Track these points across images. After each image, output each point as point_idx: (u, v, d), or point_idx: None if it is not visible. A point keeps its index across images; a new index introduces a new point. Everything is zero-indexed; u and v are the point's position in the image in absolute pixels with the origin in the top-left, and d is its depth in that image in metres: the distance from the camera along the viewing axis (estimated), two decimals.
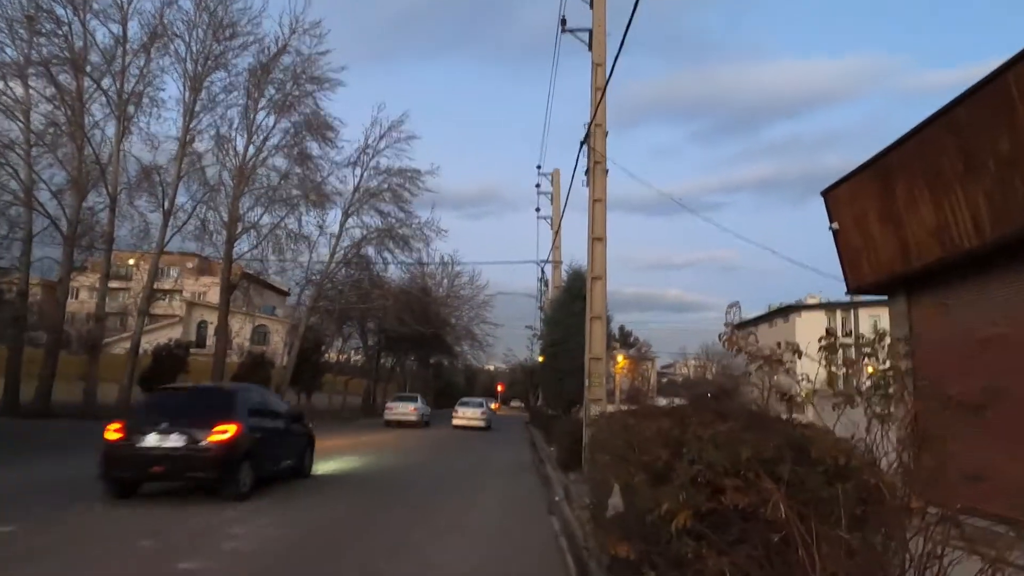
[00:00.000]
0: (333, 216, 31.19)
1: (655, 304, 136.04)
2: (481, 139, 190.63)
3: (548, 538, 7.29)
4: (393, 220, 31.39)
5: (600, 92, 12.90)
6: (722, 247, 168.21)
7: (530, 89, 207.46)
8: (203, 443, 8.83)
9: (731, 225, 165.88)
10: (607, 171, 13.00)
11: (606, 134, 13.08)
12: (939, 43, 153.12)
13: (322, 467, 12.66)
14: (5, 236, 24.62)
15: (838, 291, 78.07)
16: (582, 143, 13.18)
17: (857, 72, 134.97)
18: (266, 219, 29.91)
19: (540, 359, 43.19)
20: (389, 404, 30.93)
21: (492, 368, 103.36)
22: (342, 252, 31.12)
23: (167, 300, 69.39)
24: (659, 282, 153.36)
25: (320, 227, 30.70)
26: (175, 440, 8.80)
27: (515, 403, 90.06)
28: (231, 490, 8.95)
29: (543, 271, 28.80)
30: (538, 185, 26.91)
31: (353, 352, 51.33)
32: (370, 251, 31.94)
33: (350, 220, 31.00)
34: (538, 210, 27.37)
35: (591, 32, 13.29)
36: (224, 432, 8.98)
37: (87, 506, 8.02)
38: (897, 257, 9.91)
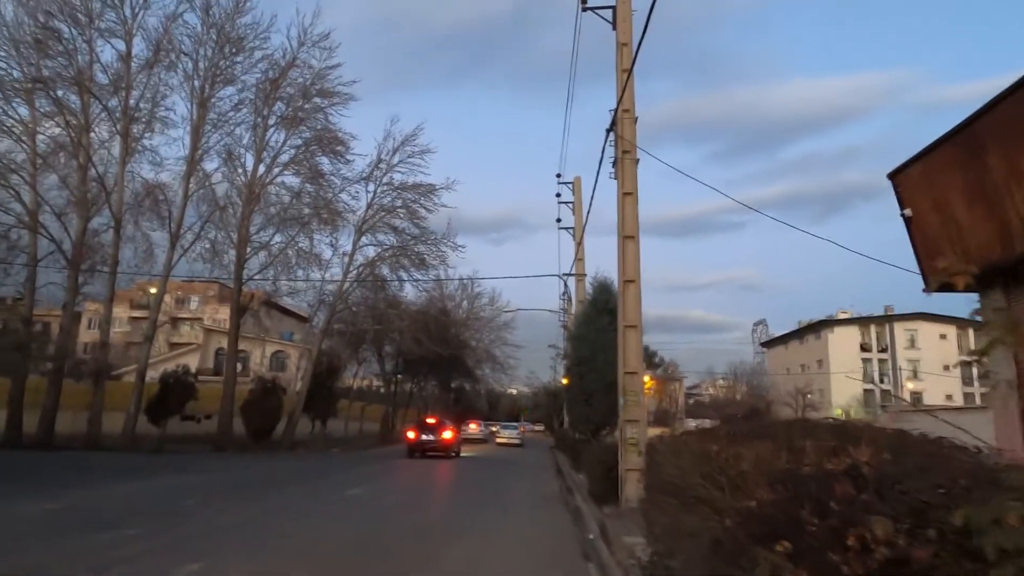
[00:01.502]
0: (347, 236, 30.04)
1: (677, 325, 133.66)
2: (501, 165, 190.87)
3: None
4: (408, 237, 30.15)
5: (626, 74, 11.51)
6: (742, 267, 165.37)
7: (549, 115, 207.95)
8: (442, 439, 26.05)
9: (752, 244, 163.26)
10: (637, 160, 11.55)
11: (635, 120, 11.66)
12: (955, 57, 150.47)
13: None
14: (4, 260, 23.78)
15: (870, 306, 75.11)
16: (608, 130, 11.76)
17: (873, 88, 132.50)
18: (276, 239, 28.93)
19: (564, 381, 41.50)
20: (463, 426, 44.87)
21: (515, 391, 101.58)
22: (355, 271, 29.91)
23: (190, 327, 69.28)
24: (679, 303, 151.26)
25: (332, 246, 29.59)
26: (433, 437, 25.99)
27: (538, 427, 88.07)
28: (452, 456, 26.11)
29: (566, 285, 27.28)
30: (558, 194, 25.51)
31: (374, 378, 50.01)
32: (385, 270, 30.70)
33: (363, 238, 29.83)
34: (559, 220, 25.93)
35: (614, 9, 11.96)
36: (450, 434, 26.57)
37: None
38: (994, 243, 8.25)
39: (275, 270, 28.75)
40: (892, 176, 10.11)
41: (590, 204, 21.07)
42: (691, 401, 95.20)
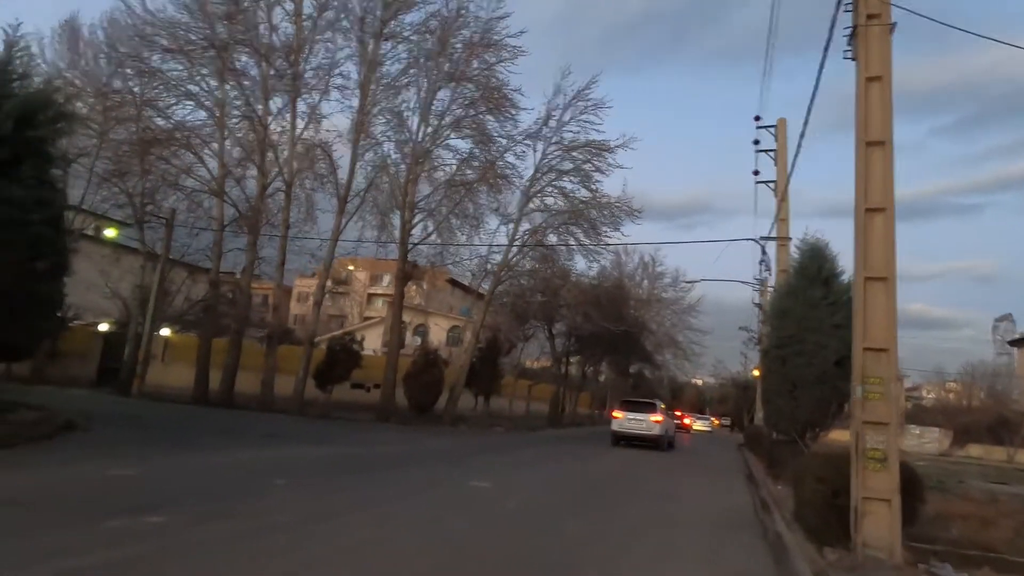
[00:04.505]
0: (513, 200, 27.93)
1: None
2: (691, 149, 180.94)
3: None
4: (579, 202, 27.27)
5: None
6: (976, 255, 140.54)
7: (741, 94, 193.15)
8: (683, 423, 49.98)
9: (992, 230, 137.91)
10: (891, 27, 7.56)
11: None
12: None
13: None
14: (196, 225, 24.90)
15: None
16: None
17: None
18: (442, 204, 27.58)
19: (755, 373, 36.21)
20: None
21: (699, 382, 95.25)
22: (521, 239, 27.69)
23: (382, 303, 73.33)
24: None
25: (498, 211, 27.63)
26: (678, 422, 39.05)
27: (724, 420, 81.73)
28: (688, 432, 49.35)
29: (764, 251, 22.67)
30: (756, 141, 20.89)
31: (547, 358, 48.25)
32: (553, 239, 28.11)
33: (530, 203, 27.51)
34: (756, 173, 21.25)
35: None
36: (688, 420, 54.04)
37: None
38: None
39: (441, 237, 27.49)
40: None
41: (797, 150, 16.74)
42: (909, 405, 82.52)
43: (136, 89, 26.19)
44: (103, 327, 30.94)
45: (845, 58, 7.92)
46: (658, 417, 23.56)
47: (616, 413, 24.30)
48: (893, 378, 7.07)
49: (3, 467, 8.45)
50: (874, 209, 7.35)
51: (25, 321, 9.44)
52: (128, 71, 25.91)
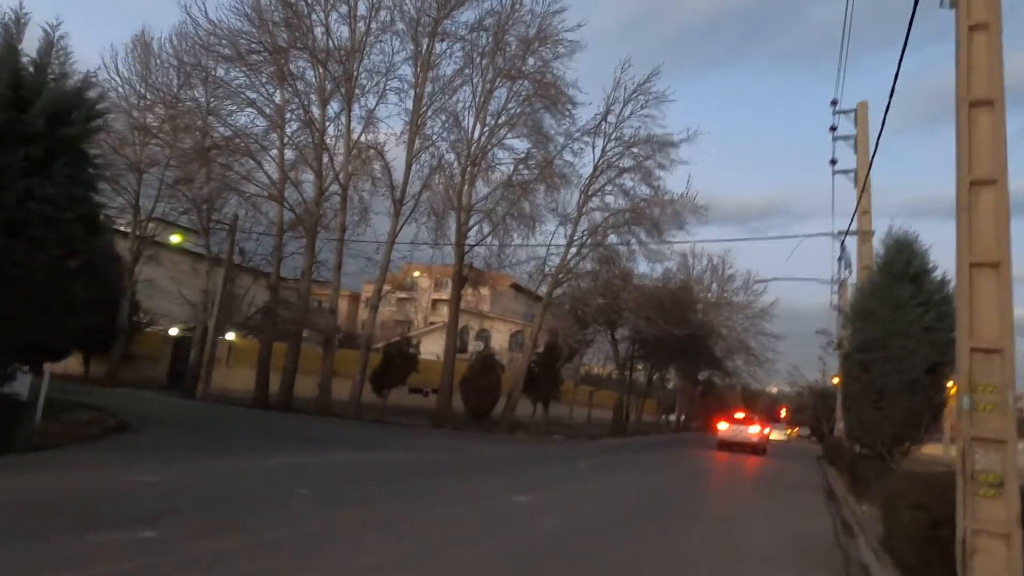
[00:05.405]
0: (571, 198, 26.99)
1: None
2: (766, 151, 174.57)
3: None
4: (640, 200, 26.06)
5: None
6: None
7: (817, 93, 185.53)
8: (763, 433, 33.11)
9: None
10: None
11: None
12: None
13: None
14: (248, 230, 25.13)
15: None
16: None
17: None
18: (499, 206, 26.91)
19: (834, 380, 33.67)
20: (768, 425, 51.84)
21: (774, 390, 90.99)
22: (580, 239, 26.69)
23: (447, 308, 73.36)
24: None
25: (555, 211, 26.73)
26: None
27: (803, 431, 77.77)
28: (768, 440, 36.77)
29: (843, 248, 20.82)
30: (833, 128, 19.14)
31: (610, 362, 46.87)
32: (612, 239, 26.98)
33: (589, 202, 26.47)
34: (834, 162, 19.46)
35: None
36: (768, 431, 37.30)
37: None
38: None
39: (498, 239, 26.83)
40: None
41: (880, 129, 15.16)
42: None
43: (201, 99, 26.85)
44: (173, 331, 31.88)
45: (942, 7, 6.70)
46: (756, 429, 31.01)
47: (721, 425, 31.62)
48: (1010, 385, 5.79)
49: (31, 468, 8.26)
50: (981, 182, 6.10)
51: (55, 320, 9.24)
52: (193, 81, 26.55)
